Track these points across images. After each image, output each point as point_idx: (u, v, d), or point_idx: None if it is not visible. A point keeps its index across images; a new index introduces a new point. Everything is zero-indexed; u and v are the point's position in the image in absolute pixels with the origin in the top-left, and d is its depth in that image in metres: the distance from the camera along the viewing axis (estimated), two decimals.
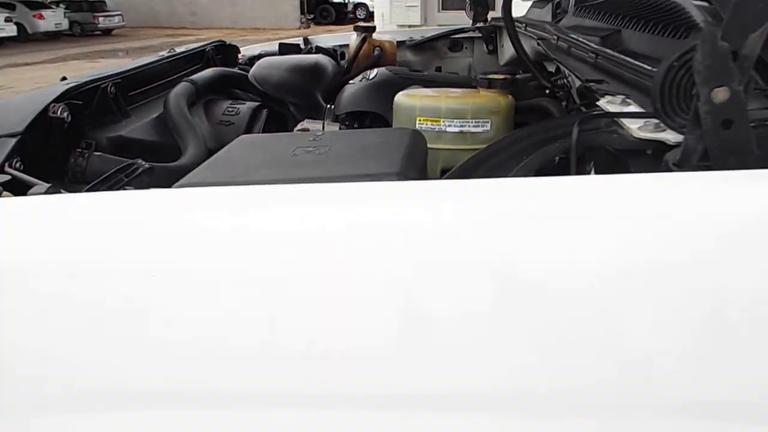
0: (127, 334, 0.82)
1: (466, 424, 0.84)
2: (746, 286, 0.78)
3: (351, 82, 2.26)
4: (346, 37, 3.05)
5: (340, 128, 2.09)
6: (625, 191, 0.86)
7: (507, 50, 2.76)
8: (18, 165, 1.31)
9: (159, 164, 1.52)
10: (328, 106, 2.26)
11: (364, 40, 2.81)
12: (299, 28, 23.39)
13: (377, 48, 2.82)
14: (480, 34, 3.13)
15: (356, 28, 2.89)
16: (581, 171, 1.14)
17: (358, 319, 0.80)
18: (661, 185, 0.87)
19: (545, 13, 2.71)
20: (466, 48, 3.24)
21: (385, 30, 3.94)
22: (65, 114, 1.51)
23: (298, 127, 2.07)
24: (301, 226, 0.83)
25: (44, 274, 0.84)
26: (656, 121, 1.01)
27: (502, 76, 1.76)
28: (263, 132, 2.09)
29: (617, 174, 0.93)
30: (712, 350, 0.79)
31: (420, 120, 1.65)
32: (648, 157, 1.03)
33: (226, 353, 0.82)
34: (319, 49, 2.93)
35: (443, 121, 1.63)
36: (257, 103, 2.23)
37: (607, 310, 0.79)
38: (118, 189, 1.29)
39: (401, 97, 1.74)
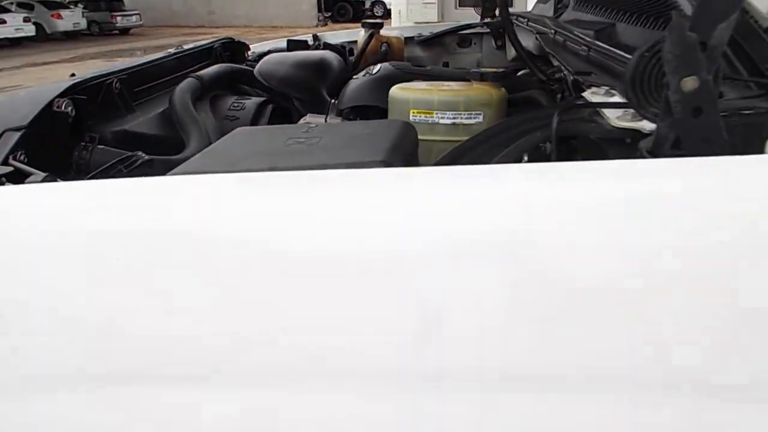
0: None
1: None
2: None
3: (355, 77, 2.29)
4: (356, 33, 3.08)
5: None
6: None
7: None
8: (22, 158, 1.35)
9: (159, 157, 1.56)
10: (333, 101, 2.29)
11: (371, 36, 2.84)
12: (316, 26, 23.41)
13: (384, 44, 2.85)
14: (488, 30, 3.15)
15: (364, 25, 2.92)
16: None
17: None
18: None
19: (548, 8, 2.73)
20: (474, 44, 3.26)
21: (401, 26, 3.97)
22: (69, 108, 1.55)
23: (301, 121, 2.10)
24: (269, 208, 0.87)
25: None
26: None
27: (494, 70, 1.79)
28: None
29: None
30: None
31: (413, 112, 1.69)
32: (627, 146, 1.06)
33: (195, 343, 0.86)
34: (327, 46, 2.96)
35: (436, 114, 1.66)
36: (263, 99, 2.26)
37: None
38: None
39: (395, 91, 1.78)
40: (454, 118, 1.64)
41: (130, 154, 1.46)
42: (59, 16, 24.07)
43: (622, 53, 1.37)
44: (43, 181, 1.11)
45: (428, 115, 1.67)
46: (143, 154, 1.46)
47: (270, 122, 2.18)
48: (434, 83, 1.81)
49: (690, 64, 0.88)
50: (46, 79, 11.51)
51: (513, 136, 1.14)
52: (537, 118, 1.18)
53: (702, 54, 0.89)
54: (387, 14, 19.88)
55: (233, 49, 2.84)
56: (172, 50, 2.40)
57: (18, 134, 1.39)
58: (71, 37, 23.89)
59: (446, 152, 1.22)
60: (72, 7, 25.04)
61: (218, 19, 26.30)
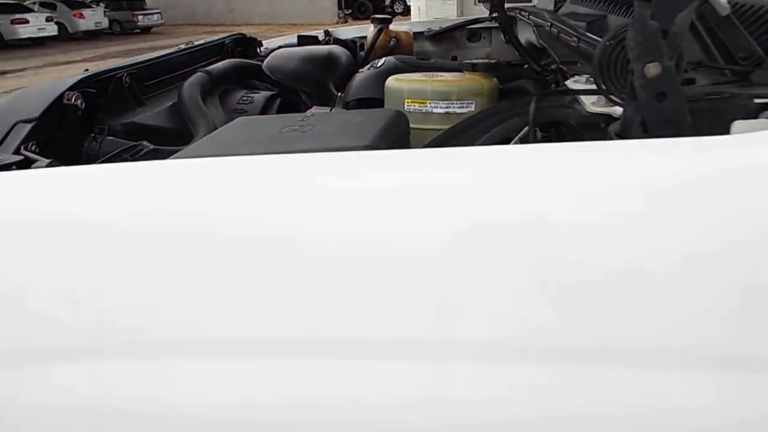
0: None
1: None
2: None
3: (360, 70, 2.34)
4: (367, 29, 3.12)
5: None
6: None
7: (521, 39, 2.82)
8: (33, 148, 1.42)
9: (164, 147, 1.62)
10: (339, 94, 2.34)
11: (380, 31, 2.88)
12: (337, 24, 23.45)
13: (393, 39, 2.89)
14: (497, 24, 3.18)
15: (373, 20, 2.96)
16: None
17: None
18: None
19: (549, 2, 2.77)
20: (484, 38, 3.29)
21: (411, 22, 4.00)
22: (79, 101, 1.61)
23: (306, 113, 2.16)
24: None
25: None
26: None
27: (485, 61, 1.84)
28: None
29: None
30: None
31: (408, 102, 1.74)
32: (602, 131, 1.11)
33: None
34: (337, 41, 3.01)
35: (429, 103, 1.71)
36: (271, 93, 2.31)
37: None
38: None
39: (391, 81, 1.83)
40: (446, 107, 1.70)
41: (135, 143, 1.52)
42: (81, 16, 24.29)
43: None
44: (47, 166, 1.18)
45: (422, 105, 1.72)
46: (148, 144, 1.53)
47: None
48: (428, 74, 1.87)
49: (652, 51, 0.93)
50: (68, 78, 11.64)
51: (495, 122, 1.19)
52: (519, 105, 1.24)
53: (663, 41, 0.93)
54: (407, 11, 19.90)
55: (245, 45, 2.88)
56: (182, 46, 2.46)
57: (29, 126, 1.45)
58: (93, 36, 24.12)
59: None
60: (94, 6, 25.24)
61: (238, 17, 26.42)
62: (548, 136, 1.33)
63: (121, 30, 25.32)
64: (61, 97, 1.58)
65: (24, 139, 1.42)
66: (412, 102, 1.74)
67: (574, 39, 1.61)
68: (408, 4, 18.85)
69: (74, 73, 1.73)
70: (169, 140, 1.72)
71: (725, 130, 0.97)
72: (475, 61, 1.88)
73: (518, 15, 2.78)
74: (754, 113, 1.03)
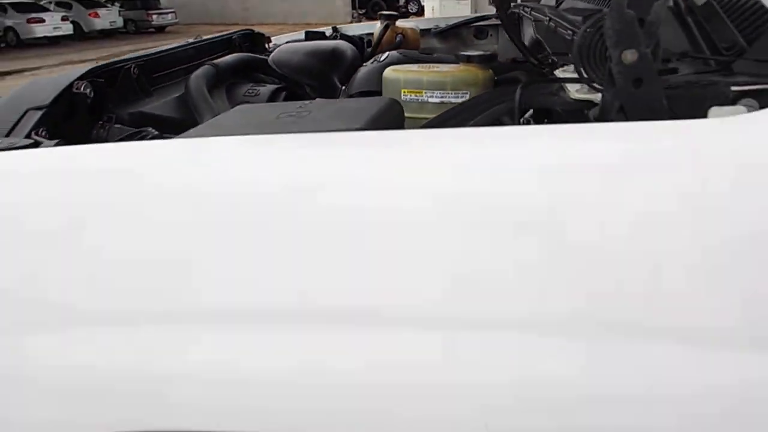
0: None
1: None
2: None
3: (364, 64, 2.38)
4: (374, 26, 3.15)
5: None
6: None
7: (527, 36, 2.85)
8: (43, 134, 1.47)
9: (167, 135, 1.66)
10: (343, 87, 2.38)
11: (386, 27, 2.93)
12: (351, 23, 23.51)
13: (399, 35, 2.93)
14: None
15: (380, 16, 3.00)
16: None
17: None
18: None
19: None
20: (491, 35, 3.31)
21: (418, 19, 4.03)
22: (88, 90, 1.67)
23: None
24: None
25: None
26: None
27: (480, 53, 1.89)
28: None
29: None
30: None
31: (404, 92, 1.79)
32: (585, 116, 1.15)
33: None
34: (344, 37, 3.05)
35: (425, 93, 1.76)
36: (277, 86, 2.35)
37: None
38: None
39: (388, 72, 1.88)
40: (442, 96, 1.74)
41: (140, 129, 1.57)
42: (96, 15, 24.50)
43: None
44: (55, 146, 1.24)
45: (418, 95, 1.77)
46: (152, 130, 1.58)
47: None
48: (424, 65, 1.91)
49: (629, 38, 0.98)
50: None
51: (483, 109, 1.24)
52: (506, 93, 1.28)
53: (640, 29, 0.98)
54: (421, 11, 19.94)
55: (253, 41, 2.92)
56: (190, 40, 2.51)
57: (39, 113, 1.51)
58: (108, 35, 24.32)
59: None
60: (109, 5, 25.46)
61: (252, 16, 26.53)
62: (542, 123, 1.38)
63: (135, 29, 25.52)
64: (70, 86, 1.63)
65: (34, 126, 1.47)
66: (408, 92, 1.78)
67: (569, 32, 1.65)
68: (422, 3, 18.88)
69: None
70: (175, 130, 1.77)
71: (703, 116, 1.01)
72: (470, 53, 1.93)
73: (521, 11, 2.81)
74: (731, 100, 1.07)
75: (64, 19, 23.45)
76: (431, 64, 1.93)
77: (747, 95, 1.08)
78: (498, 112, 1.21)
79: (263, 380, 1.00)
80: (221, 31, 2.83)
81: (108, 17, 25.13)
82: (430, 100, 1.76)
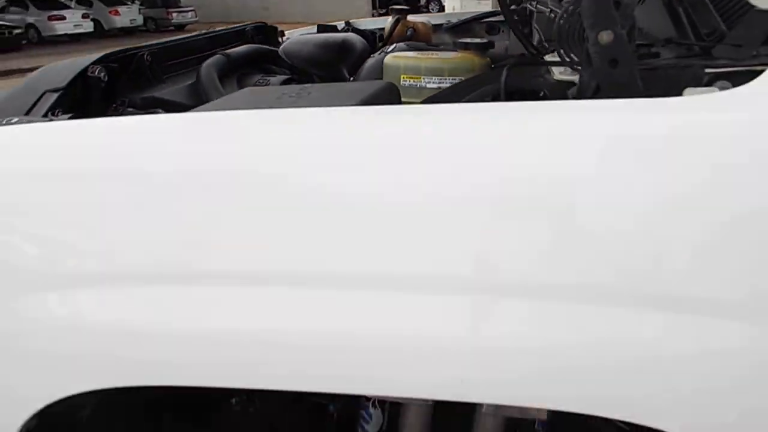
0: None
1: None
2: None
3: (372, 56, 2.44)
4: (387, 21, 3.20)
5: None
6: None
7: (537, 32, 2.90)
8: (59, 115, 1.55)
9: None
10: (351, 78, 2.44)
11: (397, 21, 2.98)
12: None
13: (410, 29, 2.98)
14: (516, 17, 3.24)
15: (392, 11, 3.06)
16: None
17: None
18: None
19: None
20: (502, 31, 3.36)
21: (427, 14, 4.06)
22: (102, 74, 1.74)
23: None
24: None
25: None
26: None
27: (477, 41, 1.95)
28: None
29: None
30: None
31: (404, 77, 1.85)
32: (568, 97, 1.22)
33: None
34: (355, 30, 3.10)
35: (423, 78, 1.82)
36: (286, 76, 2.41)
37: None
38: None
39: (389, 59, 1.95)
40: (439, 82, 1.80)
41: (150, 111, 1.64)
42: (117, 13, 24.73)
43: None
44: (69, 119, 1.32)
45: (416, 80, 1.83)
46: (161, 111, 1.65)
47: None
48: (424, 52, 1.98)
49: (605, 19, 1.04)
50: None
51: (472, 90, 1.30)
52: (495, 76, 1.34)
53: (616, 11, 1.04)
54: (441, 10, 19.96)
55: (266, 34, 2.98)
56: (203, 31, 2.57)
57: (56, 95, 1.58)
58: (128, 33, 24.53)
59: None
60: (129, 3, 25.67)
61: (272, 15, 26.60)
62: None
63: (155, 27, 25.74)
64: (86, 70, 1.71)
65: (51, 107, 1.55)
66: (407, 77, 1.85)
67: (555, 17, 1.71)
68: (443, 3, 18.89)
69: None
70: None
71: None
72: (467, 40, 1.99)
73: (529, 5, 2.87)
74: (705, 82, 1.13)
75: (84, 16, 23.70)
76: (430, 52, 1.99)
77: (722, 77, 1.14)
78: (485, 93, 1.27)
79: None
80: None
81: (128, 15, 25.36)
82: (428, 85, 1.82)
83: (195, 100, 2.06)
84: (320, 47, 2.51)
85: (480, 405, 1.18)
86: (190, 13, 26.72)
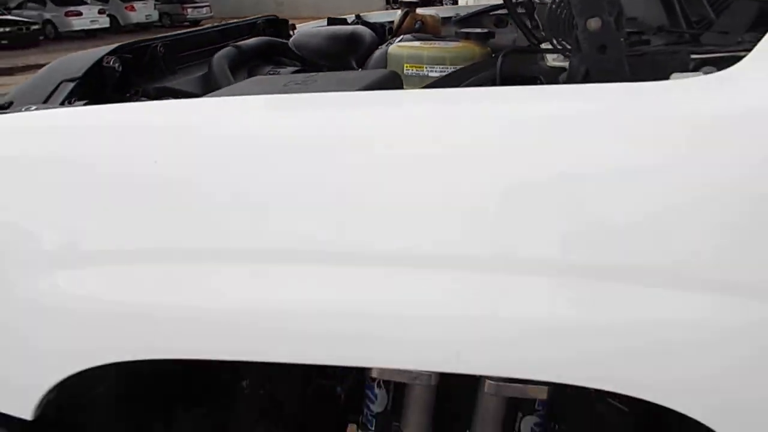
0: None
1: None
2: None
3: (380, 47, 2.48)
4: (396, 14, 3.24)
5: None
6: None
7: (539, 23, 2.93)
8: (76, 103, 1.61)
9: None
10: (360, 70, 2.48)
11: (406, 14, 3.02)
12: None
13: (419, 22, 3.02)
14: (524, 10, 3.28)
15: (401, 4, 3.10)
16: None
17: None
18: None
19: None
20: (510, 24, 3.40)
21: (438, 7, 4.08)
22: (117, 65, 1.81)
23: None
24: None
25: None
26: None
27: (478, 30, 2.00)
28: None
29: None
30: None
31: (407, 66, 1.89)
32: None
33: None
34: (365, 23, 3.15)
35: (426, 67, 1.86)
36: (296, 68, 2.46)
37: None
38: None
39: (393, 48, 1.99)
40: (441, 71, 1.85)
41: (162, 100, 1.70)
42: (132, 8, 24.89)
43: None
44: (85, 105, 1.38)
45: (419, 69, 1.88)
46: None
47: None
48: (426, 42, 2.03)
49: (593, 6, 1.08)
50: None
51: (469, 76, 1.35)
52: (492, 63, 1.40)
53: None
54: (455, 3, 19.90)
55: (278, 27, 3.02)
56: (215, 24, 2.62)
57: (72, 84, 1.65)
58: (143, 28, 24.62)
59: None
60: None
61: (286, 10, 26.53)
62: None
63: (170, 23, 25.85)
64: (101, 60, 1.77)
65: (68, 95, 1.61)
66: (410, 66, 1.89)
67: (565, 12, 1.76)
68: None
69: None
70: None
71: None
72: (468, 30, 2.04)
73: None
74: (692, 67, 1.18)
75: (101, 12, 23.89)
76: (432, 41, 2.04)
77: (709, 63, 1.19)
78: (481, 80, 1.32)
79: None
80: None
81: (144, 11, 25.52)
82: (431, 74, 1.86)
83: (207, 90, 2.11)
84: (329, 39, 2.56)
85: (482, 385, 1.23)
86: (204, 8, 26.83)
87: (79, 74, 1.67)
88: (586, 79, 1.12)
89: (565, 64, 1.24)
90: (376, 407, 1.39)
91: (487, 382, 1.21)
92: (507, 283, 1.01)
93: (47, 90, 1.62)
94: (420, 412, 1.32)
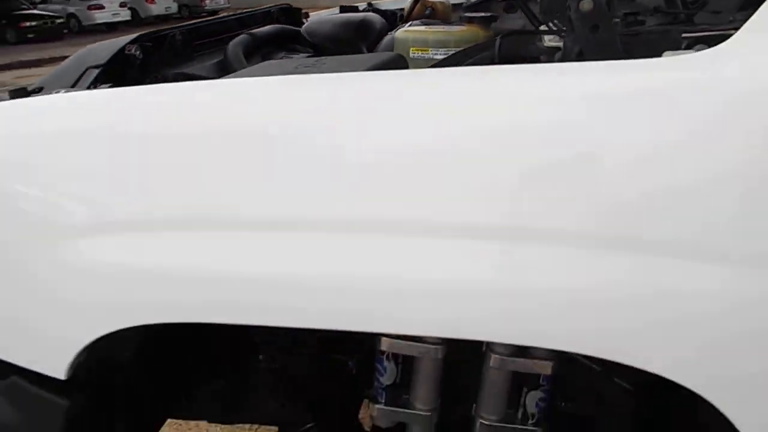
0: None
1: None
2: None
3: (390, 33, 2.53)
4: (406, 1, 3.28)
5: None
6: None
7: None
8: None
9: None
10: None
11: (416, 1, 3.06)
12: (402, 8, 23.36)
13: (429, 8, 3.06)
14: None
15: None
16: None
17: None
18: None
19: None
20: (519, 9, 3.42)
21: None
22: (138, 52, 1.89)
23: None
24: None
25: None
26: None
27: (482, 14, 2.05)
28: None
29: None
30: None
31: (413, 50, 1.95)
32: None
33: None
34: (376, 11, 3.19)
35: (431, 50, 1.92)
36: (308, 55, 2.51)
37: None
38: None
39: (399, 33, 2.05)
40: (446, 54, 1.89)
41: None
42: (152, 1, 25.07)
43: None
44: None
45: (424, 52, 1.93)
46: None
47: None
48: (431, 26, 2.09)
49: None
50: None
51: (468, 57, 1.42)
52: (491, 44, 1.46)
53: None
54: None
55: (291, 15, 3.10)
56: (230, 13, 2.69)
57: (97, 71, 1.73)
58: (163, 20, 24.73)
59: None
60: None
61: (302, 0, 26.63)
62: None
63: (189, 14, 25.94)
64: (123, 48, 1.85)
65: (93, 81, 1.70)
66: (415, 50, 1.95)
67: None
68: None
69: None
70: None
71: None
72: (472, 14, 2.09)
73: None
74: (684, 45, 1.23)
75: (122, 5, 24.10)
76: (437, 25, 2.10)
77: (701, 41, 1.24)
78: (481, 60, 1.38)
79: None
80: None
81: (163, 3, 25.69)
82: (435, 57, 1.92)
83: (222, 75, 2.18)
84: (340, 26, 2.60)
85: (488, 359, 1.25)
86: None
87: (104, 62, 1.76)
88: (580, 58, 1.18)
89: (559, 44, 1.30)
90: (386, 380, 1.41)
91: (492, 356, 1.23)
92: (522, 254, 1.02)
93: (74, 76, 1.71)
94: (428, 385, 1.35)
